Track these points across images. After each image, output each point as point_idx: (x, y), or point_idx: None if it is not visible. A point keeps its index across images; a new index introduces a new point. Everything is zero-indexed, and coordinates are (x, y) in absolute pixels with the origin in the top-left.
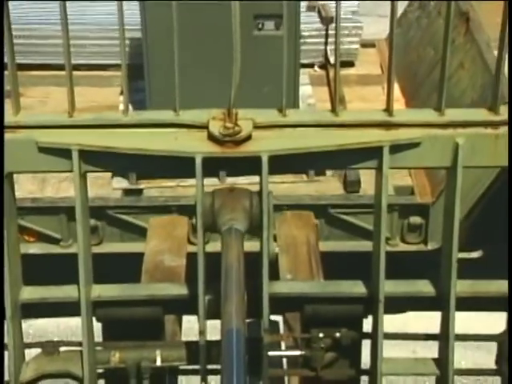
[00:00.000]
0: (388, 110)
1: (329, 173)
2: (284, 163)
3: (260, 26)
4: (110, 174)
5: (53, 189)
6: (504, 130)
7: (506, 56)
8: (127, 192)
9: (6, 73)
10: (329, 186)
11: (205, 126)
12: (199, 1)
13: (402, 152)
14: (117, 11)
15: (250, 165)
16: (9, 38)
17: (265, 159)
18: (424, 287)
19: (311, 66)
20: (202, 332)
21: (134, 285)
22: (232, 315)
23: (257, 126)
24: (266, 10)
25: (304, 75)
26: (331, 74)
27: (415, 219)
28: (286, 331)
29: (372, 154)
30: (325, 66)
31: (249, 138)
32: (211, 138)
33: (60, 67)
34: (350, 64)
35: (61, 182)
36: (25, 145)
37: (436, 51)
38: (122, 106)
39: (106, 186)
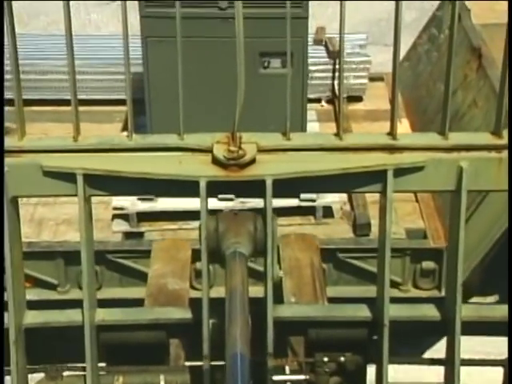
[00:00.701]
0: (392, 133)
1: (337, 215)
2: (288, 186)
3: (266, 64)
4: (109, 216)
5: (49, 232)
6: (507, 153)
7: None
8: (127, 235)
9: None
10: (337, 228)
11: (209, 150)
12: (202, 38)
13: (406, 176)
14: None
15: (254, 188)
16: (14, 55)
17: (269, 183)
18: (429, 311)
19: (318, 100)
20: (206, 356)
21: (138, 309)
22: (236, 339)
23: (261, 150)
24: (272, 48)
25: (311, 111)
26: None
27: (428, 264)
28: (291, 355)
29: (376, 177)
30: (332, 100)
31: (253, 161)
32: (215, 161)
33: (58, 102)
34: (358, 99)
35: (58, 224)
36: (29, 169)
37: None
38: None
39: (106, 229)
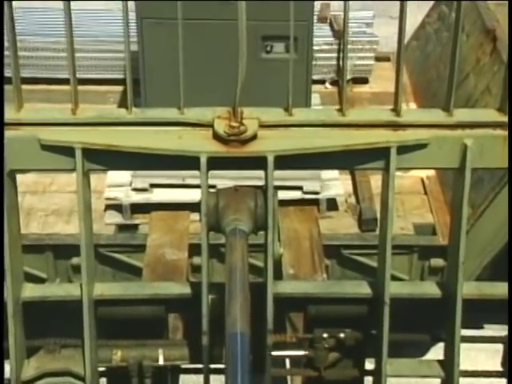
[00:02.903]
0: (396, 109)
1: (341, 207)
2: (290, 162)
3: (269, 48)
4: (102, 207)
5: (38, 224)
6: None
7: None
8: (121, 227)
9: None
10: (341, 222)
11: (210, 125)
12: (201, 20)
13: (410, 153)
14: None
15: (255, 164)
16: (11, 28)
17: (270, 159)
18: (430, 289)
19: (322, 82)
20: (205, 332)
21: (136, 283)
22: (236, 318)
23: (262, 125)
24: (275, 31)
25: (314, 93)
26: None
27: (437, 261)
28: (290, 331)
29: (379, 154)
30: (337, 82)
31: (254, 137)
32: (216, 137)
33: (50, 81)
34: (364, 80)
35: (47, 215)
36: (27, 142)
37: (459, 70)
38: None
39: (99, 221)
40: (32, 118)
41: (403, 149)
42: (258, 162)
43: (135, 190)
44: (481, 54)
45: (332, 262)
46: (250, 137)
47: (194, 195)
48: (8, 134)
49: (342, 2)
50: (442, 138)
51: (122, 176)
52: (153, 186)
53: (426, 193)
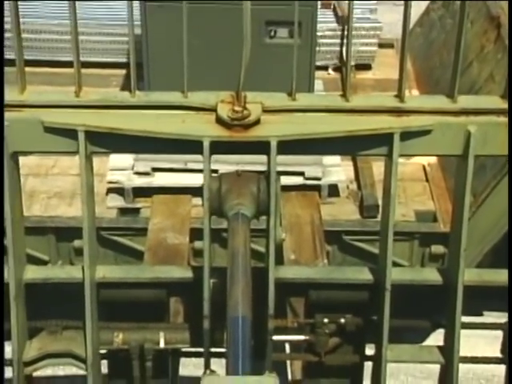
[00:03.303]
0: (399, 95)
1: (343, 194)
2: (292, 147)
3: (272, 33)
4: (104, 191)
5: (41, 206)
6: None
7: None
8: (123, 211)
9: None
10: (343, 208)
11: (213, 109)
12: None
13: (413, 139)
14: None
15: (258, 149)
16: (14, 10)
17: (273, 144)
18: (431, 275)
19: (325, 68)
20: (206, 316)
21: (138, 266)
22: (238, 301)
23: (266, 110)
24: (278, 16)
25: (317, 80)
26: None
27: (437, 248)
28: (291, 316)
29: (382, 140)
30: (339, 68)
31: (257, 122)
32: (219, 121)
33: (52, 64)
34: (367, 67)
35: (50, 197)
36: (30, 124)
37: (463, 57)
38: None
39: (100, 204)
40: (35, 100)
41: (406, 135)
42: (260, 147)
43: (137, 173)
44: (485, 41)
45: (333, 247)
46: (253, 121)
47: (195, 179)
48: (11, 115)
49: None
50: (445, 125)
51: (125, 160)
52: (155, 169)
53: (427, 180)
